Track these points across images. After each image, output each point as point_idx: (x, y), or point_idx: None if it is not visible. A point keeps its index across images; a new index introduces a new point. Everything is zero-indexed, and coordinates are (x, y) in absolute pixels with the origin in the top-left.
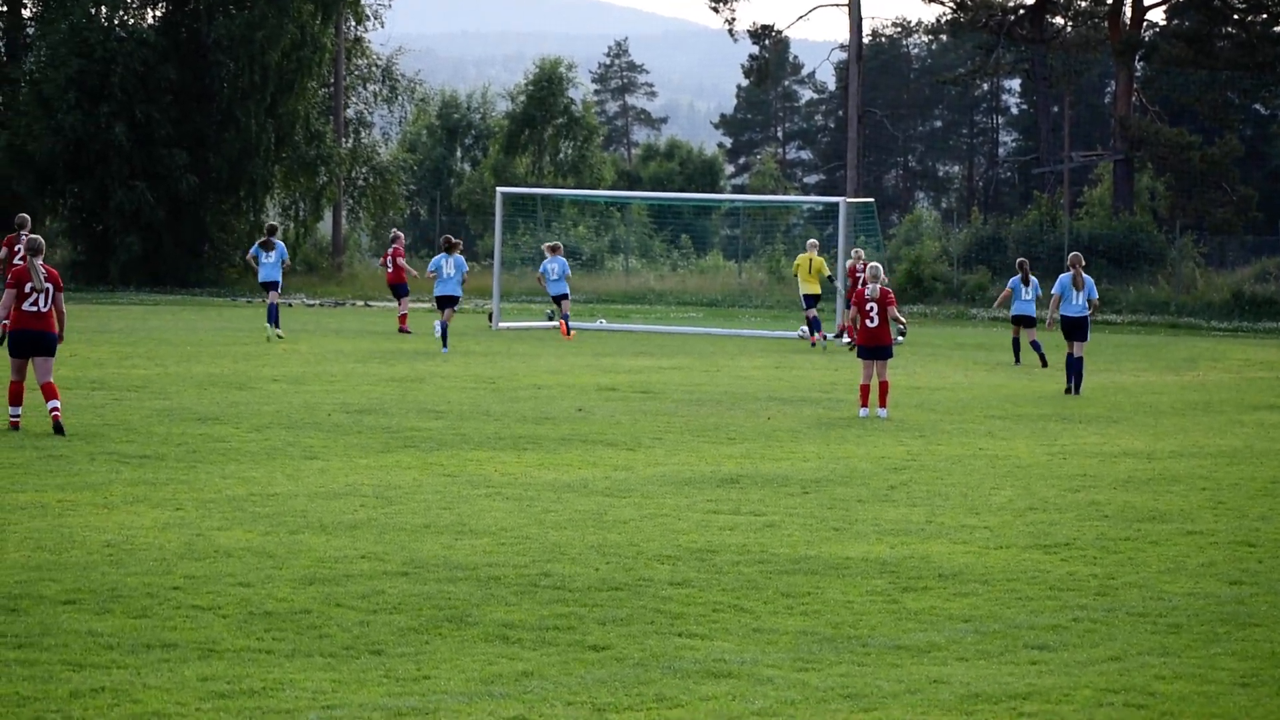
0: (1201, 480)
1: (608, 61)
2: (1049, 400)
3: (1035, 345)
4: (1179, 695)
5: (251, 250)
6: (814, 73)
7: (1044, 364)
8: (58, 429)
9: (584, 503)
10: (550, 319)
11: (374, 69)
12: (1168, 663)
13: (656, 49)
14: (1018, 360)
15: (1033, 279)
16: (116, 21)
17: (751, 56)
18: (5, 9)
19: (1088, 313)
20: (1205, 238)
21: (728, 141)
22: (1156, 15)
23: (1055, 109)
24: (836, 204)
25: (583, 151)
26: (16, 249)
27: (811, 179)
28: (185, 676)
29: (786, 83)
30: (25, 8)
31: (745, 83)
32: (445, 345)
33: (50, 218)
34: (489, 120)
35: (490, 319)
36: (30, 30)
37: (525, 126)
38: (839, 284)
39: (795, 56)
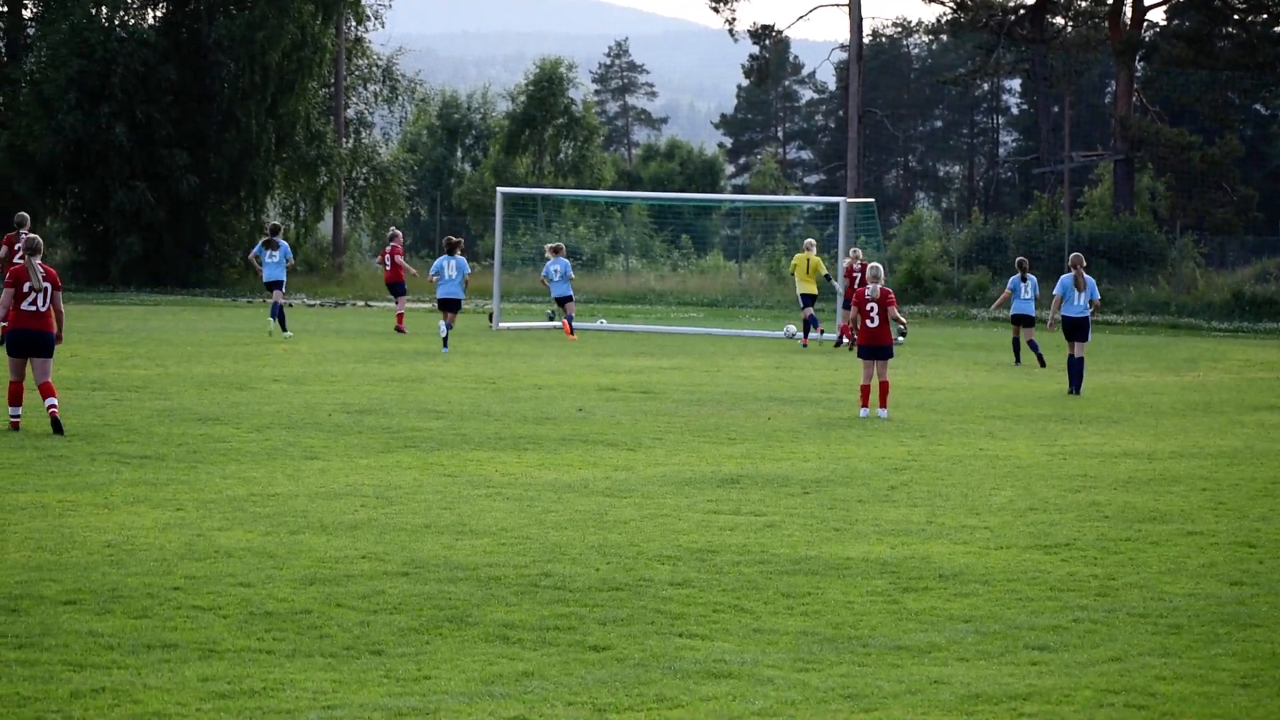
0: (1202, 481)
1: (608, 62)
2: (1049, 401)
3: (1033, 345)
4: (1180, 696)
5: (254, 250)
6: (814, 73)
7: (1042, 364)
8: (56, 426)
9: (584, 503)
10: (551, 319)
11: (374, 69)
12: (1168, 663)
13: (657, 49)
14: (1018, 360)
15: (1031, 277)
16: (117, 22)
17: (752, 56)
18: (6, 9)
19: (1089, 313)
20: (1206, 238)
21: (728, 141)
22: (1157, 15)
23: (1055, 109)
24: (837, 204)
25: (583, 152)
26: (16, 248)
27: (812, 179)
28: (186, 677)
29: (787, 83)
30: (26, 8)
31: (745, 83)
32: (446, 346)
33: (51, 218)
34: (489, 120)
35: (490, 319)
36: (31, 30)
37: (525, 127)
38: (837, 285)
39: (795, 56)
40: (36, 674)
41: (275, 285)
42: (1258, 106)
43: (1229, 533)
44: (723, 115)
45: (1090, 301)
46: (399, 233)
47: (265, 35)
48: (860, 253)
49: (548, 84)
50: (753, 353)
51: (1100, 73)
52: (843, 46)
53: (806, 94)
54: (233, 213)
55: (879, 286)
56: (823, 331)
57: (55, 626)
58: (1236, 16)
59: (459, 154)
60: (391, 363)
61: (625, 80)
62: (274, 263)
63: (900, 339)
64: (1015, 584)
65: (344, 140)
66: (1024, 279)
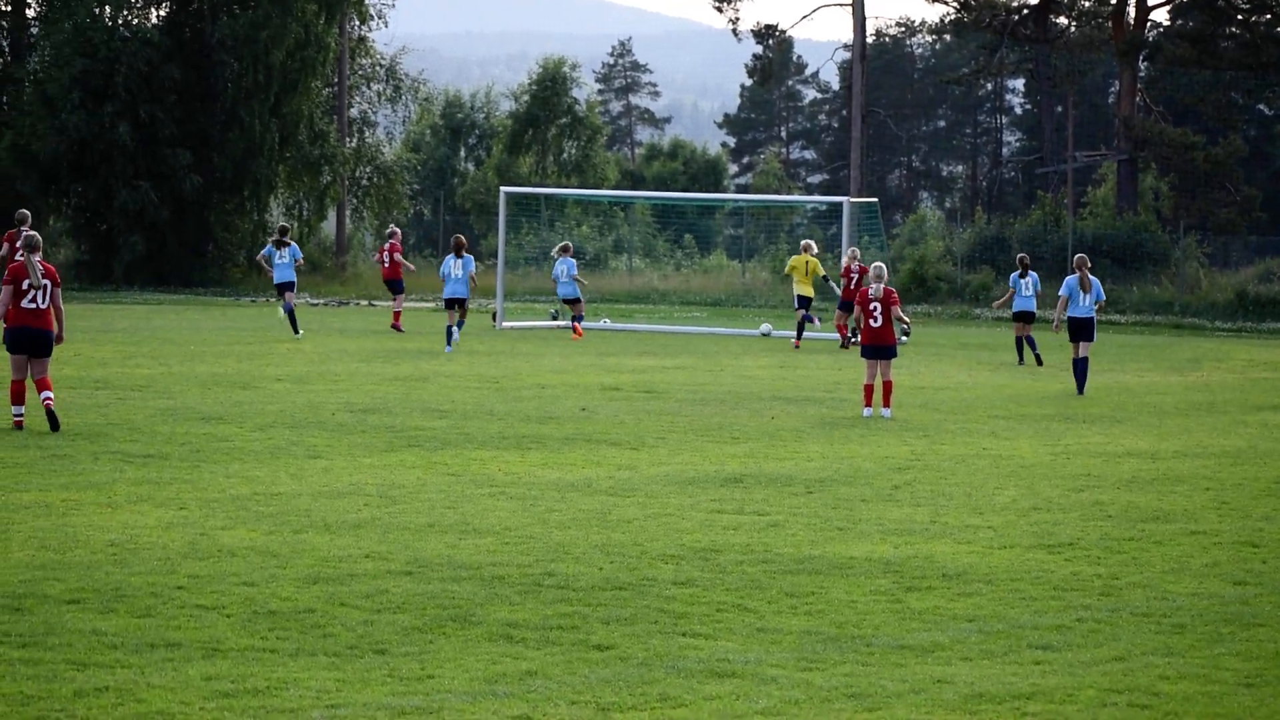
0: (1205, 480)
1: (611, 61)
2: (1053, 400)
3: (1030, 343)
4: (1183, 695)
5: (264, 250)
6: (818, 72)
7: (1039, 362)
8: (51, 419)
9: (588, 502)
10: (554, 318)
11: (378, 68)
12: (1172, 663)
13: (660, 49)
14: (1021, 360)
15: (1032, 274)
16: (120, 21)
17: (755, 56)
18: (9, 9)
19: (1094, 314)
20: (1209, 238)
21: (731, 141)
22: (1160, 15)
23: (1059, 109)
24: (840, 204)
25: (586, 151)
26: (18, 245)
27: (815, 179)
28: (189, 676)
29: (790, 82)
30: (29, 7)
31: (749, 82)
32: (449, 344)
33: (54, 217)
34: (492, 120)
35: (494, 318)
36: (34, 30)
37: (529, 126)
38: (835, 287)
39: (799, 56)
40: (40, 673)
41: (287, 287)
42: (1261, 106)
43: (1232, 532)
44: (726, 115)
45: (1096, 302)
46: (398, 230)
47: (269, 35)
48: (858, 252)
49: (551, 83)
50: (756, 352)
51: (1103, 73)
52: (846, 46)
53: (810, 94)
54: (236, 212)
55: (882, 286)
56: (819, 321)
57: (59, 625)
58: (1240, 16)
59: (462, 153)
60: (395, 362)
61: (628, 80)
62: (284, 263)
63: (904, 339)
64: (1019, 583)
65: (347, 140)
66: (1024, 276)
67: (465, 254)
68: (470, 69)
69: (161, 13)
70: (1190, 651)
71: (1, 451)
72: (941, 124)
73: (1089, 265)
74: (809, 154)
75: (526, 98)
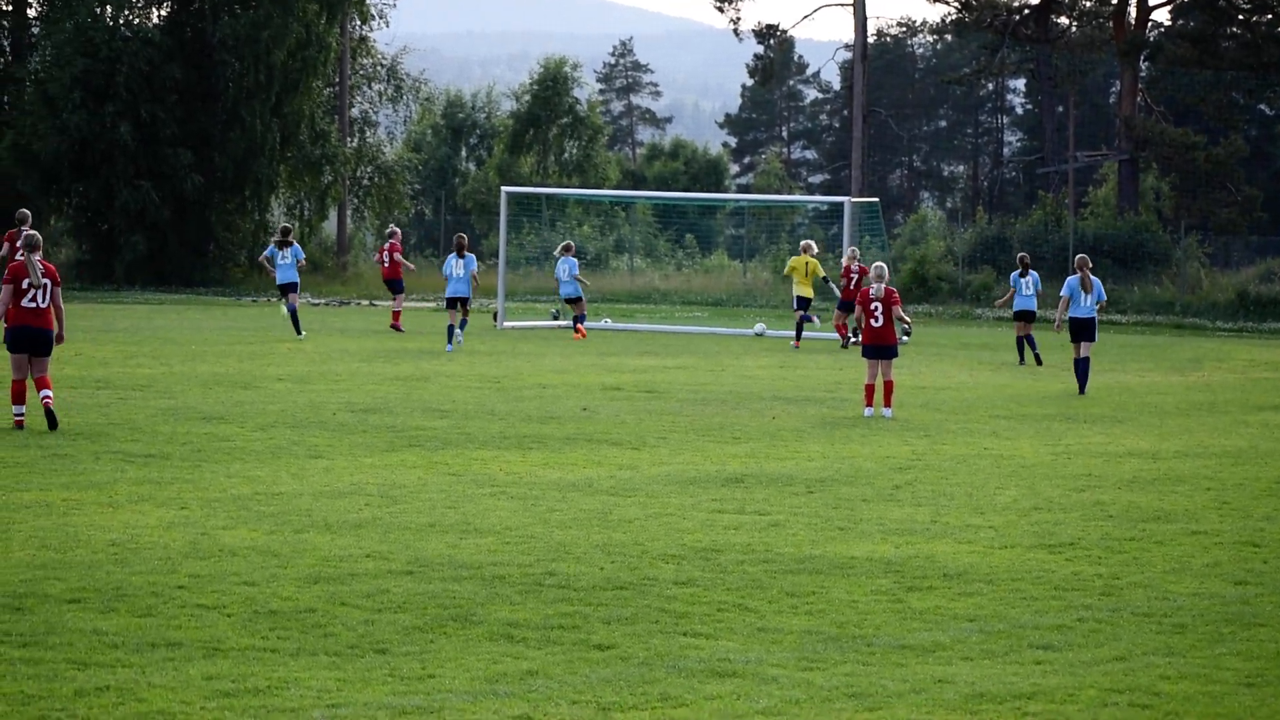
0: (1206, 480)
1: (612, 61)
2: (1054, 400)
3: (1030, 342)
4: (1184, 695)
5: (266, 252)
6: (819, 72)
7: (1038, 362)
8: (50, 418)
9: (589, 502)
10: (555, 318)
11: (379, 68)
12: (1172, 663)
13: (661, 48)
14: (1022, 360)
15: (1032, 273)
16: (121, 21)
17: (756, 56)
18: (10, 8)
19: (1095, 314)
20: (1210, 238)
21: (732, 141)
22: (1161, 15)
23: (1060, 109)
24: (841, 204)
25: (587, 151)
26: (18, 245)
27: (816, 179)
28: (190, 675)
29: (791, 82)
30: (30, 7)
31: (750, 82)
32: (450, 343)
33: (55, 217)
34: (494, 120)
35: (495, 318)
36: (35, 30)
37: (530, 126)
38: (834, 288)
39: (800, 56)
40: (41, 672)
41: (290, 288)
42: (1262, 107)
43: (1233, 532)
44: (727, 115)
45: (1097, 303)
46: (398, 230)
47: (270, 34)
48: (857, 252)
49: (552, 83)
50: (757, 352)
51: (1105, 72)
52: (847, 46)
53: (811, 93)
54: (237, 212)
55: (883, 286)
56: (818, 320)
57: (60, 625)
58: (1241, 16)
59: (463, 153)
60: (396, 362)
61: (630, 80)
62: (286, 264)
63: (905, 339)
64: (1020, 583)
65: (348, 139)
66: (1024, 275)
67: (467, 253)
68: (471, 69)
69: (163, 12)
70: (1191, 651)
71: (2, 451)
72: (943, 124)
73: (1090, 266)
74: (810, 154)
75: (528, 97)
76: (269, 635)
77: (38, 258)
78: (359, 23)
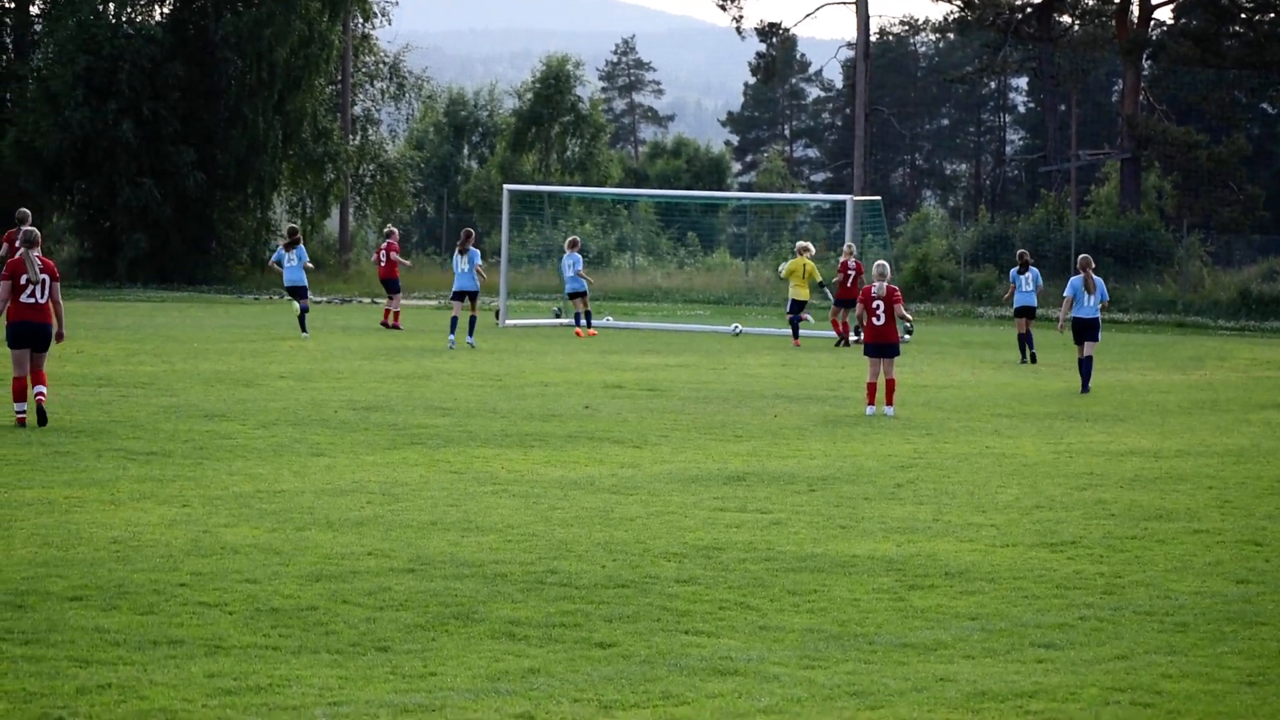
0: (1208, 479)
1: (615, 59)
2: (1055, 398)
3: (1028, 339)
4: (1185, 694)
5: (275, 256)
6: (821, 71)
7: (1033, 360)
8: (40, 416)
9: (591, 500)
10: (557, 316)
11: (381, 66)
12: (1174, 661)
13: (664, 46)
14: (1023, 358)
15: (1033, 270)
16: (124, 18)
17: (759, 54)
18: (13, 5)
19: (1099, 315)
20: (1212, 237)
21: (735, 139)
22: (1164, 14)
23: (1062, 107)
24: (843, 202)
25: (590, 149)
26: (17, 244)
27: (818, 177)
28: (192, 673)
29: (794, 80)
30: (33, 4)
31: (752, 80)
32: (453, 333)
33: (58, 214)
34: (496, 118)
35: (497, 316)
36: (38, 27)
37: (532, 124)
38: (829, 293)
39: (802, 54)
40: (43, 670)
41: (300, 291)
42: (1264, 105)
43: (1235, 531)
44: (729, 113)
45: (1100, 302)
46: (395, 230)
47: (272, 32)
48: (854, 248)
49: (554, 81)
50: (759, 350)
51: (1107, 71)
52: (849, 44)
53: (813, 92)
54: (239, 209)
55: (885, 284)
56: (812, 318)
57: (61, 622)
58: (1244, 15)
59: (466, 151)
60: (398, 359)
61: (632, 78)
62: (293, 265)
63: (907, 337)
64: (1021, 582)
65: (351, 137)
66: (1024, 272)
67: (471, 248)
68: (474, 66)
69: (165, 10)
70: (1193, 650)
71: (4, 448)
72: (945, 122)
73: (1093, 266)
74: (812, 152)
75: (530, 95)
76: (271, 633)
77: (36, 254)
78: (361, 20)
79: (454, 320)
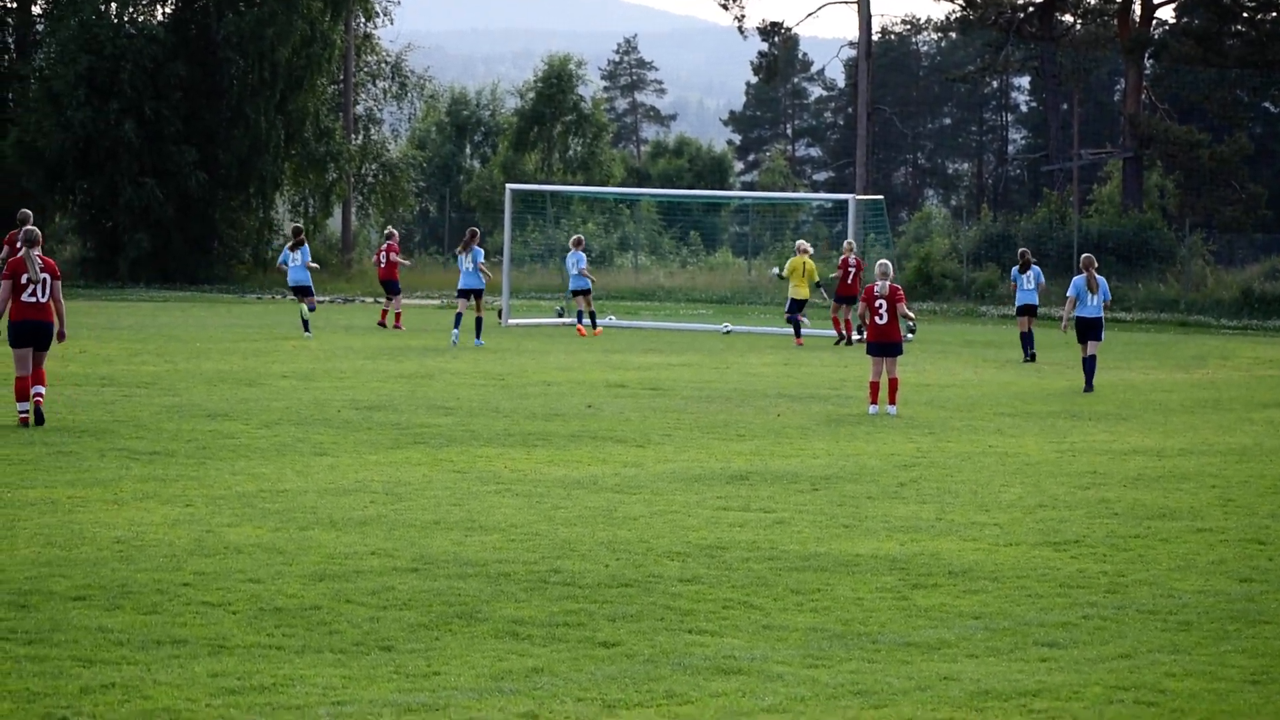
0: (1211, 478)
1: (617, 58)
2: (1058, 397)
3: (1028, 337)
4: (1189, 693)
5: (281, 257)
6: (823, 70)
7: (1032, 359)
8: (38, 416)
9: (593, 499)
10: (560, 315)
11: (383, 66)
12: (1178, 660)
13: (665, 46)
14: (1026, 356)
15: (1033, 267)
16: (126, 18)
17: (760, 53)
18: (15, 5)
19: (1102, 314)
20: (1214, 235)
21: (737, 138)
22: (1166, 13)
23: (1064, 106)
24: (846, 201)
25: (592, 148)
26: (18, 244)
27: (821, 176)
28: (195, 672)
29: (796, 80)
30: (35, 4)
31: (754, 80)
32: (456, 328)
33: (60, 214)
34: (498, 117)
35: (499, 315)
36: (40, 27)
37: (534, 123)
38: (825, 295)
39: (804, 54)
40: (46, 670)
41: (305, 291)
42: (1267, 104)
43: (1238, 530)
44: (731, 112)
45: (1103, 302)
46: (395, 232)
47: (274, 31)
48: (854, 244)
49: (556, 81)
50: (762, 349)
51: (1109, 70)
52: (851, 44)
53: (815, 91)
54: (241, 209)
55: (888, 283)
56: (807, 320)
57: (65, 622)
58: (1245, 14)
59: (468, 150)
60: (400, 359)
61: (634, 77)
62: (297, 265)
63: (909, 336)
64: (1025, 580)
65: (353, 137)
66: (1024, 271)
67: (474, 246)
68: (475, 66)
69: (167, 10)
70: (1196, 649)
71: (8, 448)
72: (947, 121)
73: (1096, 265)
74: (814, 151)
75: (532, 95)
76: (274, 632)
77: (36, 253)
78: (363, 20)
79: (458, 316)
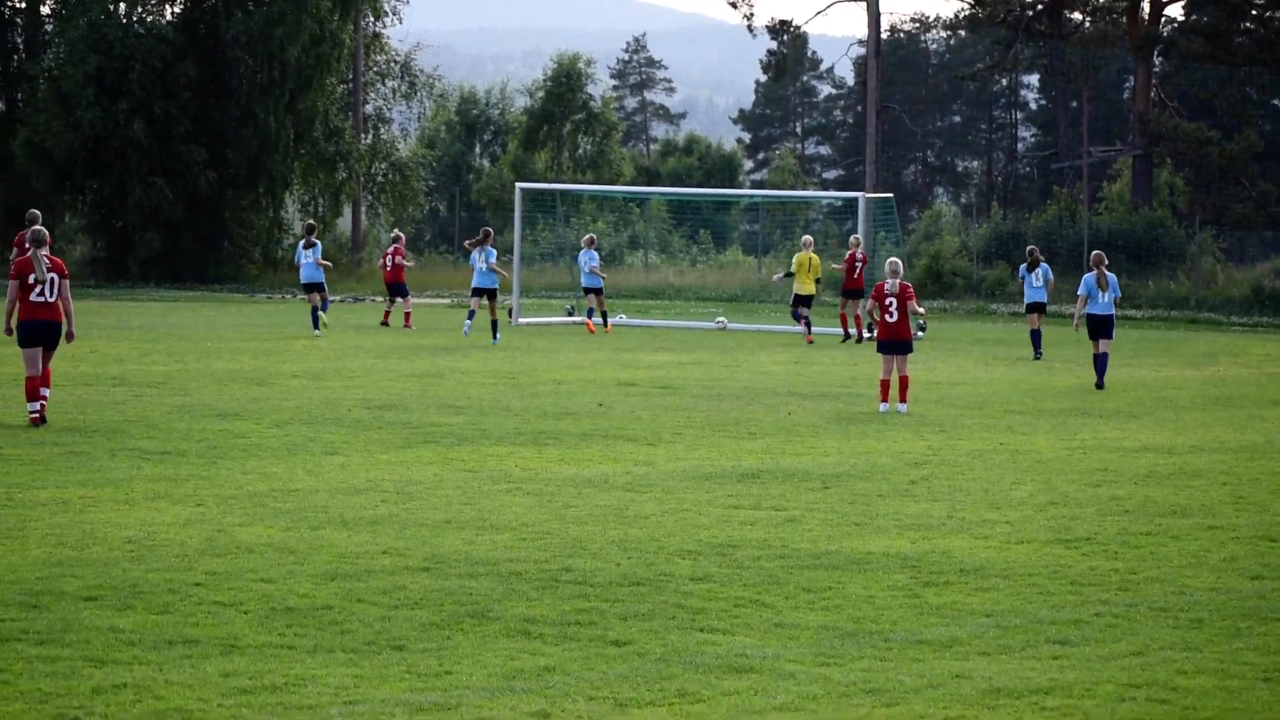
0: (1222, 475)
1: (626, 57)
2: (1069, 395)
3: (1037, 335)
4: (1201, 690)
5: (295, 255)
6: (832, 68)
7: (1039, 357)
8: (40, 417)
9: (605, 498)
10: (570, 314)
11: (393, 65)
12: (1190, 657)
13: (675, 44)
14: (1036, 354)
15: (1042, 265)
16: (135, 18)
17: (770, 52)
18: (24, 6)
19: (1113, 311)
20: (1224, 233)
21: (746, 137)
22: (1175, 10)
23: (1074, 104)
24: (855, 199)
25: (601, 147)
26: (26, 244)
27: (830, 174)
28: (207, 672)
29: (805, 78)
30: (44, 4)
31: (764, 78)
32: (469, 320)
33: (70, 214)
34: (508, 116)
35: (510, 314)
36: (49, 27)
37: (544, 122)
38: (778, 281)
39: (814, 52)
40: (58, 670)
41: (315, 287)
42: (1276, 102)
43: (1250, 527)
44: (741, 110)
45: (1114, 299)
46: (401, 235)
47: (284, 31)
48: (860, 239)
49: (566, 80)
50: (772, 348)
51: (1118, 68)
52: (861, 42)
53: (825, 89)
54: (251, 209)
55: (898, 281)
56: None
57: (76, 622)
58: (1255, 12)
59: (477, 150)
60: (411, 358)
61: (644, 76)
62: (309, 263)
63: (920, 334)
64: (1036, 578)
65: (362, 136)
66: (1032, 269)
67: (487, 246)
68: (485, 65)
69: (176, 9)
70: (1208, 646)
71: (19, 448)
72: (956, 119)
73: (1106, 263)
74: (824, 149)
75: (541, 94)
76: (286, 632)
77: (44, 253)
78: (372, 19)
79: (471, 312)
